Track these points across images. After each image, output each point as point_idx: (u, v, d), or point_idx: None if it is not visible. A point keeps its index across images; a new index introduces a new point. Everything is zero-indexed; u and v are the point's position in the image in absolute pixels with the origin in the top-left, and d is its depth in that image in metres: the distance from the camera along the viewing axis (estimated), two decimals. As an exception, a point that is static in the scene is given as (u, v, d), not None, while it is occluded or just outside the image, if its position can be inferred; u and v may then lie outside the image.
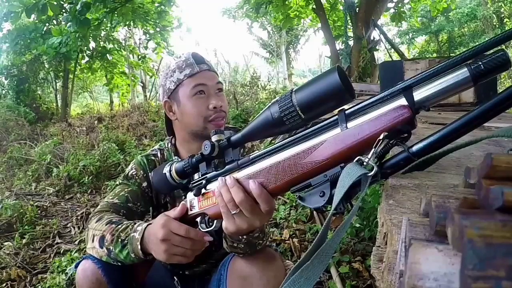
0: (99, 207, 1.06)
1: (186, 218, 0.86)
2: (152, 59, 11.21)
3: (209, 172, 0.80)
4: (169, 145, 1.20)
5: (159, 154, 1.19)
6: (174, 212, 0.85)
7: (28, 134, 6.31)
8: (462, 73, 0.48)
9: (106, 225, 0.94)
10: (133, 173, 1.14)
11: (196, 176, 0.85)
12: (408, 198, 0.54)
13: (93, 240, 0.95)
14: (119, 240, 0.89)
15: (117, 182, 1.15)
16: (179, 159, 0.93)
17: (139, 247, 0.85)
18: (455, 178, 0.59)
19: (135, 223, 0.92)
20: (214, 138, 0.76)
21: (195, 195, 0.82)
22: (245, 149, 1.18)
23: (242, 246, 0.92)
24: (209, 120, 1.07)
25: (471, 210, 0.29)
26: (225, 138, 0.76)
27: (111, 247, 0.90)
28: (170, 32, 10.22)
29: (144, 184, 1.13)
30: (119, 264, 0.93)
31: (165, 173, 0.85)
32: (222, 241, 0.98)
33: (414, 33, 17.87)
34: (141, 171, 1.14)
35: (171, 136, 1.22)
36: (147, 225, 0.88)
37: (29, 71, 9.10)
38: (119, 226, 0.92)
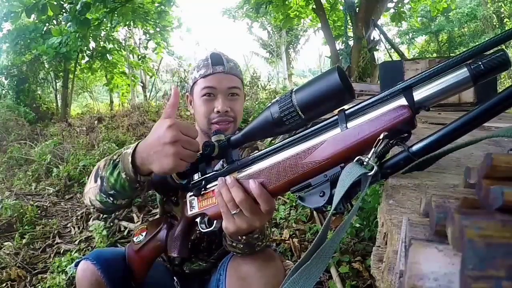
0: None
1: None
2: (152, 59, 11.22)
3: (209, 172, 0.80)
4: None
5: None
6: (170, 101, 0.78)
7: (28, 134, 6.30)
8: (462, 73, 0.48)
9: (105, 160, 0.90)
10: None
11: (196, 177, 0.85)
12: (408, 198, 0.53)
13: (90, 181, 0.90)
14: (111, 162, 0.85)
15: None
16: None
17: (129, 160, 0.78)
18: (455, 178, 0.59)
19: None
20: (214, 139, 0.77)
21: (195, 195, 0.82)
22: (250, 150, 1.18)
23: (241, 246, 0.92)
24: (212, 122, 1.10)
25: (471, 210, 0.29)
26: (225, 138, 0.76)
27: (103, 173, 0.85)
28: (170, 32, 10.24)
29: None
30: (111, 199, 0.86)
31: (165, 173, 0.85)
32: (222, 239, 0.98)
33: (414, 33, 17.88)
34: None
35: None
36: (140, 141, 0.81)
37: (29, 71, 9.08)
38: (114, 154, 0.88)
